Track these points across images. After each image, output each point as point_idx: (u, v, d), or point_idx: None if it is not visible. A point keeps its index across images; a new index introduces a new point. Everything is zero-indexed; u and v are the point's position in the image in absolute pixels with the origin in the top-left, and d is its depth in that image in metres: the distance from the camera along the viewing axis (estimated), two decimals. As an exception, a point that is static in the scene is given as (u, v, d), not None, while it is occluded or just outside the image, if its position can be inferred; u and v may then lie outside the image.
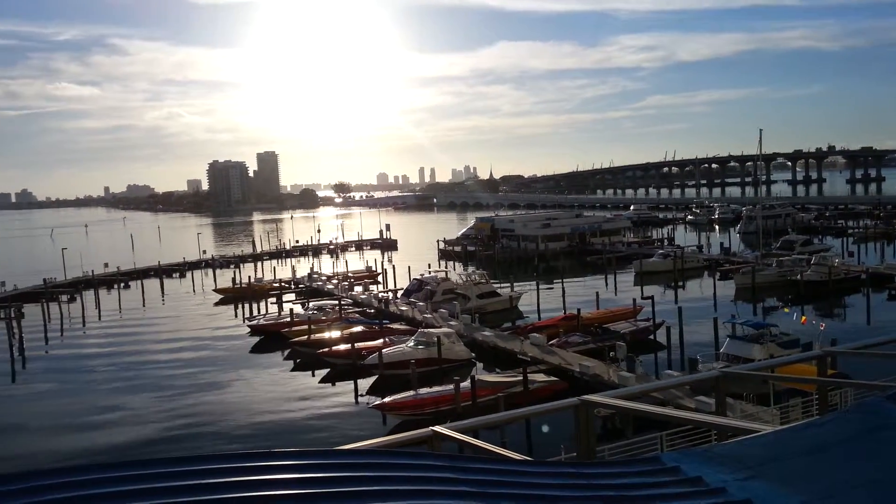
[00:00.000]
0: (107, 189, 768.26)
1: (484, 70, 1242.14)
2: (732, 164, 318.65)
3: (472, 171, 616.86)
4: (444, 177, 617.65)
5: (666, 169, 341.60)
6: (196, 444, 30.43)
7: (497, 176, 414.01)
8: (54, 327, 61.00)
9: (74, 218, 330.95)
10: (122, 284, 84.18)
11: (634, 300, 51.18)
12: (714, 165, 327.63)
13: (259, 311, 62.70)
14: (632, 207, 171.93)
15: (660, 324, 43.51)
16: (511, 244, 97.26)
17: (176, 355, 48.01)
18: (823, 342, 28.13)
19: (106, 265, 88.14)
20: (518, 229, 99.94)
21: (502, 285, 64.28)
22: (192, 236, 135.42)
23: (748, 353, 32.88)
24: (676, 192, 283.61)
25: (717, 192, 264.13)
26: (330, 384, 39.48)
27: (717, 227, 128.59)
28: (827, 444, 5.93)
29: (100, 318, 65.56)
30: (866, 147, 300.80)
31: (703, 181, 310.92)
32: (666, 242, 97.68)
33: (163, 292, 79.27)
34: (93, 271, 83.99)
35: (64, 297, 74.39)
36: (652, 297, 49.15)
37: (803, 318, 41.31)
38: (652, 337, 43.86)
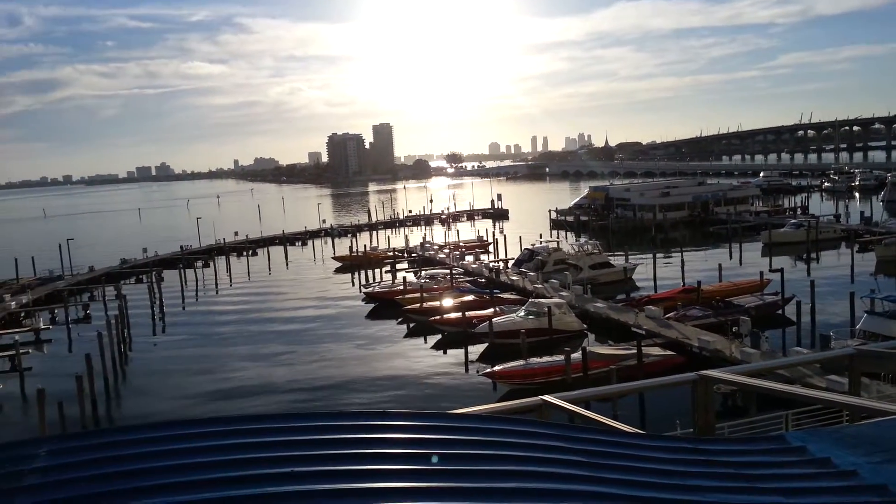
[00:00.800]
0: (236, 162, 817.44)
1: (601, 33, 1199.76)
2: (877, 126, 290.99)
3: (586, 139, 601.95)
4: (556, 146, 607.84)
5: (801, 132, 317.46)
6: (315, 401, 32.21)
7: (613, 143, 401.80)
8: (190, 291, 66.05)
9: (207, 189, 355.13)
10: (250, 252, 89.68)
11: (762, 273, 48.25)
12: (856, 128, 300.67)
13: (374, 279, 64.80)
14: (761, 174, 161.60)
15: (789, 298, 40.83)
16: (626, 214, 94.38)
17: (298, 320, 50.74)
18: (980, 322, 25.37)
19: (236, 234, 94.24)
20: (634, 198, 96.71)
21: (616, 256, 62.64)
22: (312, 206, 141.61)
23: (888, 331, 30.31)
24: (812, 158, 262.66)
25: (858, 156, 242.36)
26: (441, 351, 40.34)
27: (857, 194, 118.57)
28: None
29: (231, 283, 70.35)
30: None
31: (843, 145, 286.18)
32: (799, 211, 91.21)
33: (287, 259, 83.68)
34: (224, 239, 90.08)
35: (199, 263, 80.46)
36: (781, 270, 46.10)
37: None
38: (780, 312, 41.34)
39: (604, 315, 41.48)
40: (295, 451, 4.51)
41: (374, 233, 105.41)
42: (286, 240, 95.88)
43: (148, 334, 49.29)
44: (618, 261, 59.88)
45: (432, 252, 74.08)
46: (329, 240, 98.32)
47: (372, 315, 50.45)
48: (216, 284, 69.64)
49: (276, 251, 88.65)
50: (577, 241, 73.26)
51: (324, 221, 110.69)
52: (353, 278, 67.04)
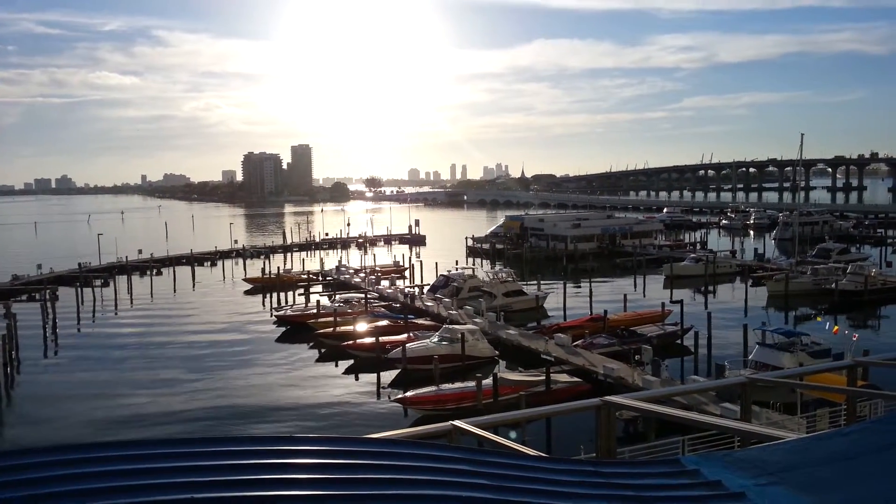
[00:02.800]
0: (144, 177, 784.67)
1: (521, 67, 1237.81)
2: (771, 168, 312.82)
3: (503, 168, 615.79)
4: (475, 174, 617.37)
5: (702, 172, 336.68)
6: (218, 429, 30.98)
7: (529, 175, 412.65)
8: (87, 311, 62.42)
9: (111, 204, 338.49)
10: (155, 271, 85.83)
11: (663, 304, 50.61)
12: (752, 169, 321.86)
13: (286, 302, 63.42)
14: (665, 210, 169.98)
15: (688, 328, 42.98)
16: (540, 243, 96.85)
17: (204, 343, 48.82)
18: (855, 353, 27.50)
19: (140, 252, 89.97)
20: (548, 229, 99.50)
21: (529, 284, 64.04)
22: (224, 226, 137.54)
23: (777, 361, 32.36)
24: (712, 196, 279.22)
25: (753, 196, 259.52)
26: (353, 376, 39.80)
27: (751, 232, 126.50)
28: (852, 454, 5.85)
29: (132, 304, 66.95)
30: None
31: (740, 185, 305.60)
32: (698, 246, 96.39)
33: (194, 280, 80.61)
34: (127, 257, 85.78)
35: (98, 282, 76.19)
36: (681, 302, 48.54)
37: (835, 327, 40.46)
38: (679, 341, 43.37)
39: (515, 342, 42.20)
40: (195, 478, 4.36)
41: (289, 255, 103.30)
42: (194, 260, 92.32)
43: (38, 356, 46.07)
44: (530, 289, 61.20)
45: (348, 276, 73.32)
46: (240, 261, 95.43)
47: (282, 339, 49.22)
48: (116, 305, 66.10)
49: (183, 271, 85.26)
50: (492, 268, 74.46)
51: (235, 242, 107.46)
52: (264, 301, 65.31)
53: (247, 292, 70.97)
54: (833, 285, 59.13)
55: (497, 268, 74.62)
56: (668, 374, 33.45)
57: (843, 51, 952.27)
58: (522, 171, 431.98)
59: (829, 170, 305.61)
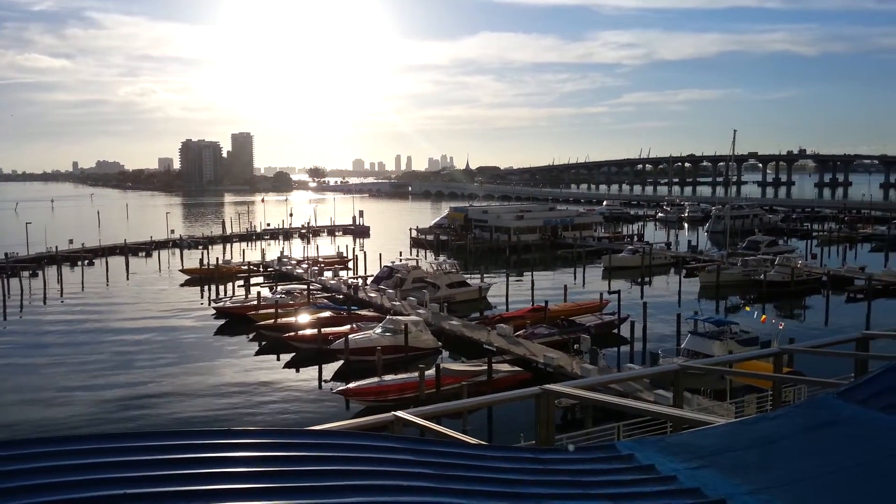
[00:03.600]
0: (75, 164, 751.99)
1: (465, 60, 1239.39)
2: (705, 163, 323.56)
3: (449, 160, 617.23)
4: (420, 165, 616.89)
5: (640, 166, 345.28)
6: (154, 425, 30.15)
7: (474, 166, 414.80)
8: (14, 302, 59.63)
9: (40, 192, 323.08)
10: (87, 262, 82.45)
11: (601, 294, 51.82)
12: (687, 164, 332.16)
13: (226, 294, 62.06)
14: (604, 203, 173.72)
15: (624, 318, 44.16)
16: (484, 235, 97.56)
17: (138, 335, 47.34)
18: (781, 341, 28.83)
19: (71, 241, 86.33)
20: (491, 220, 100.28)
21: (473, 275, 64.48)
22: (160, 215, 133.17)
23: (708, 350, 33.58)
24: (649, 190, 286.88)
25: (688, 190, 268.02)
26: (294, 369, 39.33)
27: (686, 225, 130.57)
28: (777, 437, 6.15)
29: (62, 295, 64.25)
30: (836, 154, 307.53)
31: (676, 179, 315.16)
32: (635, 238, 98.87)
33: (128, 271, 77.90)
34: (56, 247, 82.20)
35: (26, 273, 72.77)
36: (619, 292, 49.80)
37: (763, 316, 42.24)
38: (616, 331, 44.51)
39: (458, 333, 42.48)
40: (130, 473, 4.25)
41: (228, 245, 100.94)
42: (128, 250, 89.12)
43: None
44: (474, 280, 61.64)
45: (290, 267, 72.23)
46: (177, 251, 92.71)
47: (222, 331, 48.16)
48: (45, 296, 63.30)
49: (117, 262, 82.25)
50: (435, 259, 74.60)
51: (172, 232, 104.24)
52: (202, 292, 63.71)
53: (184, 284, 69.06)
54: (761, 276, 61.64)
55: (441, 259, 74.83)
56: (605, 362, 34.31)
57: (776, 51, 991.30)
58: (467, 163, 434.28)
59: (760, 165, 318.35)
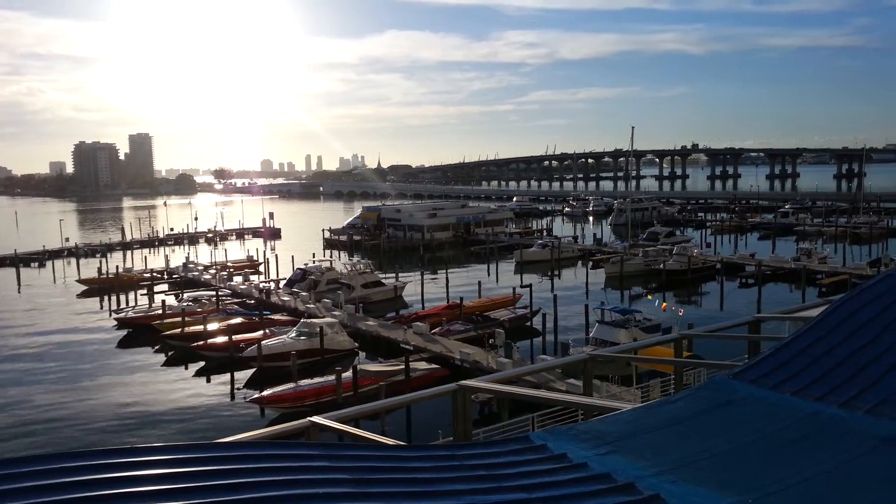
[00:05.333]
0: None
1: (374, 58, 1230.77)
2: (607, 159, 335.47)
3: (360, 159, 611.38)
4: (331, 165, 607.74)
5: (547, 162, 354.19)
6: (52, 447, 28.35)
7: (385, 165, 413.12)
8: None
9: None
10: (-31, 275, 76.44)
11: (514, 289, 52.93)
12: (590, 160, 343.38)
13: (128, 303, 59.18)
14: (514, 199, 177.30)
15: (536, 311, 45.30)
16: (397, 234, 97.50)
17: (33, 352, 44.33)
18: (681, 326, 30.38)
19: (-51, 253, 79.75)
20: (404, 219, 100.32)
21: (387, 275, 64.34)
22: (53, 223, 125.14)
23: (614, 338, 34.95)
24: (556, 185, 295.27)
25: (592, 185, 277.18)
26: (205, 379, 37.97)
27: (591, 218, 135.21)
28: (679, 418, 6.49)
29: (-59, 312, 59.22)
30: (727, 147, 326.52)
31: (580, 175, 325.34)
32: (545, 233, 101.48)
33: (19, 283, 72.83)
34: (-67, 260, 75.79)
35: None
36: (530, 286, 51.01)
37: (664, 304, 44.37)
38: (529, 324, 45.57)
39: (374, 333, 42.29)
40: (26, 500, 3.98)
41: (129, 252, 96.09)
42: (19, 260, 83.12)
43: None
44: (389, 279, 61.51)
45: (196, 273, 69.57)
46: (73, 260, 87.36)
47: (124, 343, 45.85)
48: (-79, 314, 58.18)
49: (6, 273, 76.81)
50: (349, 260, 73.89)
51: (67, 240, 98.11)
52: (102, 303, 60.37)
53: (82, 294, 65.21)
54: (661, 266, 64.69)
55: (355, 259, 74.19)
56: (519, 355, 35.08)
57: (667, 50, 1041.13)
58: (379, 162, 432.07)
59: (657, 160, 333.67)
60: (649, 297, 53.59)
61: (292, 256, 71.95)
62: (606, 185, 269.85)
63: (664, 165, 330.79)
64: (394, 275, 63.60)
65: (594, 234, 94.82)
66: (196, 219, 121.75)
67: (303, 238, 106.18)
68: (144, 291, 63.06)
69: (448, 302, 50.15)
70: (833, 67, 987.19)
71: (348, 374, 31.90)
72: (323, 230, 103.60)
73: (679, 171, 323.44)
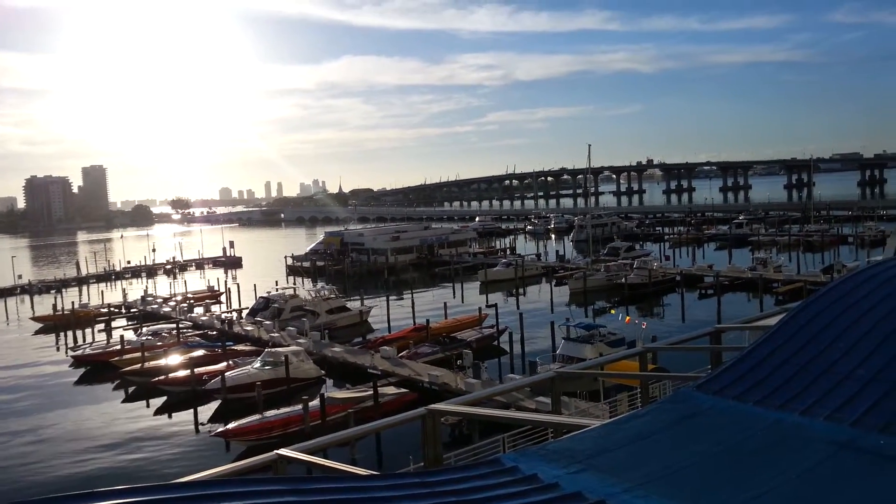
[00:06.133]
0: None
1: (331, 83, 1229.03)
2: (566, 177, 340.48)
3: (321, 184, 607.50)
4: (292, 191, 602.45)
5: (507, 182, 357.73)
6: (8, 493, 27.16)
7: (347, 189, 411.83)
8: None
9: None
10: (-86, 317, 73.34)
11: (480, 308, 53.01)
12: (549, 178, 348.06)
13: (85, 340, 57.43)
14: (477, 219, 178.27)
15: (503, 330, 45.39)
16: (361, 258, 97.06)
17: (-16, 394, 42.60)
18: (645, 339, 30.77)
19: None
20: (368, 243, 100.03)
21: (352, 300, 63.88)
22: (5, 260, 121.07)
23: (581, 353, 35.19)
24: (517, 204, 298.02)
25: (552, 203, 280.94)
26: (167, 415, 36.96)
27: (552, 236, 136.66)
28: (647, 433, 6.54)
29: None
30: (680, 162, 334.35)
31: (541, 193, 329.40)
32: (508, 252, 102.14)
33: (-33, 324, 70.09)
34: None
35: None
36: (496, 305, 51.17)
37: (627, 317, 44.91)
38: (496, 343, 45.62)
39: (341, 359, 41.82)
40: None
41: (85, 287, 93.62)
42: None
43: None
44: (354, 304, 61.04)
45: (155, 306, 68.00)
46: (27, 297, 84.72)
47: (82, 381, 44.46)
48: None
49: (-47, 314, 73.83)
50: (313, 286, 73.18)
51: (20, 277, 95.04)
52: (58, 341, 58.54)
53: (37, 332, 63.12)
54: (623, 280, 65.63)
55: (319, 285, 73.49)
56: (487, 375, 35.03)
57: (619, 69, 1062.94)
58: (340, 187, 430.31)
59: (614, 176, 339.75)
60: (613, 311, 54.23)
61: (254, 285, 70.95)
62: (566, 203, 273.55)
63: (621, 181, 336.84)
64: (359, 299, 63.17)
65: (556, 251, 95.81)
66: (154, 250, 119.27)
67: (265, 266, 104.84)
68: (102, 327, 61.32)
69: (414, 324, 49.95)
70: (778, 82, 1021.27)
71: (316, 402, 31.44)
72: (285, 257, 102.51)
73: (636, 187, 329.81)
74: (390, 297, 60.22)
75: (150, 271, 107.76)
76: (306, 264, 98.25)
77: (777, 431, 5.88)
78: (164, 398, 38.63)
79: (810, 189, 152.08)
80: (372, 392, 32.64)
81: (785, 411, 6.15)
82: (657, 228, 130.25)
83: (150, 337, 50.57)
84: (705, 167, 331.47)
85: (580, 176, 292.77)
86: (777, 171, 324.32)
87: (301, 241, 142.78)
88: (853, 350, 6.62)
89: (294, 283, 76.52)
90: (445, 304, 56.00)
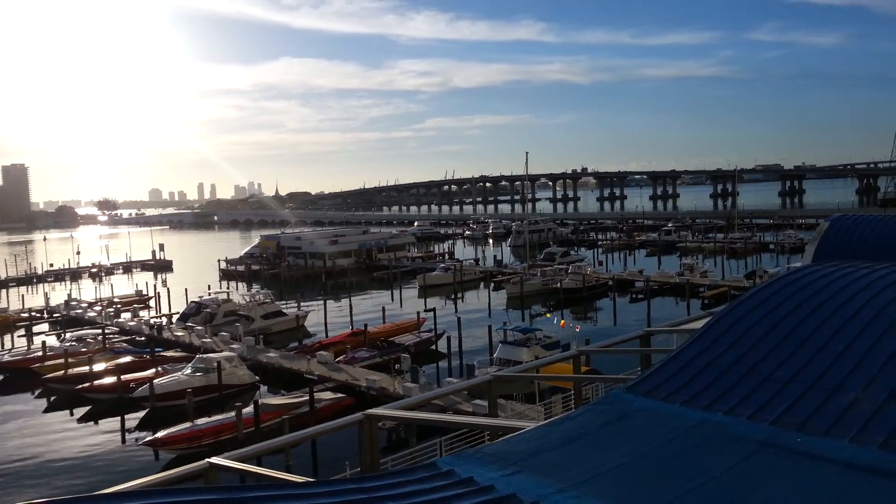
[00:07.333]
0: None
1: (268, 85, 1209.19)
2: (504, 183, 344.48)
3: (257, 187, 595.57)
4: (226, 193, 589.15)
5: (446, 187, 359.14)
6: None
7: (284, 192, 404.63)
8: None
9: None
10: None
11: (418, 313, 53.00)
12: (488, 184, 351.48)
13: (3, 346, 54.50)
14: (416, 223, 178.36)
15: (441, 334, 45.54)
16: (298, 262, 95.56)
17: None
18: (579, 342, 31.43)
19: None
20: (305, 246, 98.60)
21: (289, 304, 62.80)
22: None
23: (517, 356, 35.67)
24: (456, 209, 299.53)
25: (490, 208, 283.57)
26: (92, 423, 35.49)
27: (491, 241, 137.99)
28: (580, 434, 6.69)
29: None
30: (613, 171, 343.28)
31: (479, 199, 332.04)
32: (447, 256, 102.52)
33: None
34: None
35: None
36: (434, 309, 51.26)
37: (562, 321, 45.70)
38: (434, 347, 45.71)
39: (276, 365, 41.06)
40: None
41: (4, 291, 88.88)
42: None
43: None
44: (290, 309, 60.03)
45: (80, 311, 65.19)
46: (-63, 302, 79.72)
47: (1, 389, 42.17)
48: None
49: None
50: (248, 291, 71.62)
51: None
52: (-29, 348, 55.26)
53: (-54, 340, 59.44)
54: (558, 284, 66.95)
55: (254, 290, 71.96)
56: (426, 379, 35.07)
57: (555, 80, 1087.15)
58: (276, 190, 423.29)
59: (550, 183, 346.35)
60: (548, 315, 55.13)
61: (186, 289, 68.89)
62: (504, 208, 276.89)
63: (557, 188, 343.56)
64: (295, 304, 62.14)
65: (494, 256, 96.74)
66: (78, 253, 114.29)
67: (197, 270, 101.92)
68: (22, 332, 58.40)
69: (352, 329, 49.51)
70: (704, 95, 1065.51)
71: (249, 409, 30.77)
72: (219, 261, 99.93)
73: (571, 194, 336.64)
74: (328, 302, 59.52)
75: (75, 275, 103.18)
76: (241, 268, 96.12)
77: (702, 431, 6.12)
78: (90, 406, 37.14)
79: (734, 198, 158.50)
80: (307, 398, 32.16)
81: (710, 411, 6.40)
82: (591, 234, 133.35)
83: (73, 343, 48.47)
84: (636, 176, 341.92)
85: (518, 182, 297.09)
86: (703, 180, 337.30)
87: (235, 245, 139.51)
88: (773, 352, 6.95)
89: (228, 288, 74.63)
90: (384, 308, 55.75)
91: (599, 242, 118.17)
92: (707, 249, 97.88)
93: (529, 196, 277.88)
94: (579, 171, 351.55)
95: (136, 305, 69.32)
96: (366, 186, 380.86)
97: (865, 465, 5.07)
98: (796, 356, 6.75)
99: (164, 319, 58.51)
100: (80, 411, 36.87)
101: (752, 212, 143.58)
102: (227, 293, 64.16)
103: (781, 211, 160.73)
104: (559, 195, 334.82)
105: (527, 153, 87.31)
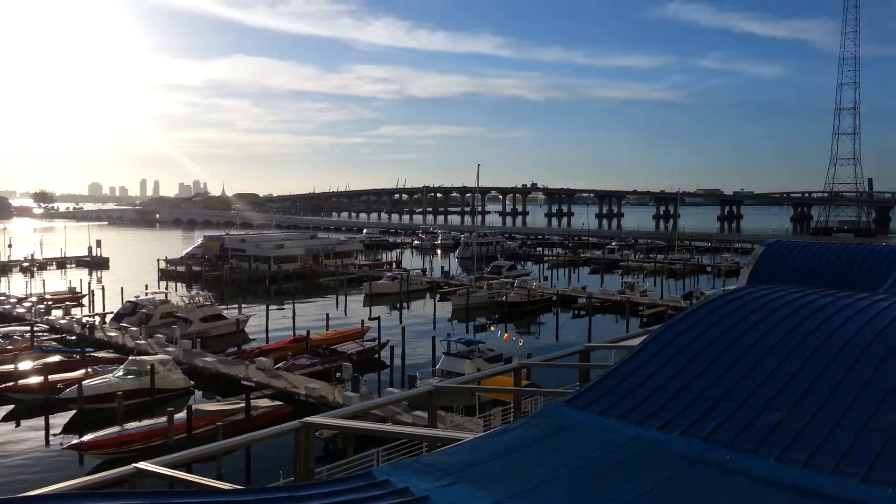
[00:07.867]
0: None
1: (219, 82, 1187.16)
2: (454, 194, 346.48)
3: (202, 186, 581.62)
4: (170, 191, 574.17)
5: (397, 196, 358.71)
6: None
7: (231, 193, 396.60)
8: None
9: None
10: None
11: (363, 321, 52.62)
12: (439, 195, 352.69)
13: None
14: (365, 231, 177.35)
15: (385, 343, 45.28)
16: (242, 264, 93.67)
17: None
18: (520, 356, 31.73)
19: None
20: (250, 249, 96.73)
21: (230, 308, 61.45)
22: None
23: (460, 368, 35.76)
24: (406, 218, 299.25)
25: (440, 219, 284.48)
26: (14, 423, 33.96)
27: (439, 252, 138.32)
28: (517, 446, 6.73)
29: None
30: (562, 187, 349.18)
31: (430, 209, 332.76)
32: (394, 265, 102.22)
33: None
34: None
35: None
36: (378, 318, 50.96)
37: (506, 335, 46.11)
38: (377, 356, 45.41)
39: (213, 370, 40.07)
40: None
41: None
42: None
43: None
44: (231, 312, 58.75)
45: (8, 306, 62.33)
46: None
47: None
48: None
49: None
50: (188, 292, 69.77)
51: None
52: None
53: None
54: (504, 298, 67.55)
55: (194, 291, 70.13)
56: (367, 388, 34.78)
57: (509, 95, 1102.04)
58: (223, 190, 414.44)
59: (500, 196, 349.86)
60: (492, 328, 55.52)
61: (122, 288, 66.62)
62: (454, 220, 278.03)
63: (507, 202, 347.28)
64: (236, 307, 60.86)
65: (442, 267, 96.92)
66: (10, 246, 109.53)
67: (135, 268, 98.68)
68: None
69: (294, 335, 48.75)
70: (653, 118, 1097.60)
71: (182, 414, 29.96)
72: (158, 260, 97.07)
73: (520, 208, 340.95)
74: (270, 307, 58.45)
75: (4, 268, 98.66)
76: (181, 268, 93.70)
77: (636, 446, 6.23)
78: (13, 406, 35.54)
79: (675, 220, 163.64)
80: (243, 404, 31.49)
81: (644, 426, 6.52)
82: (538, 249, 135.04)
83: (-1, 340, 46.26)
84: (584, 194, 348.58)
85: (468, 194, 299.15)
86: (647, 201, 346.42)
87: (177, 244, 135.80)
88: (706, 371, 7.15)
89: (166, 288, 72.60)
90: (328, 315, 55.12)
91: (546, 258, 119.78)
92: (648, 269, 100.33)
93: (479, 208, 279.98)
94: (529, 185, 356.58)
95: (68, 303, 66.76)
96: (316, 191, 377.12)
97: (789, 484, 5.25)
98: (728, 375, 6.95)
99: (97, 319, 56.52)
100: (3, 411, 35.32)
101: (691, 234, 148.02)
102: (166, 294, 62.50)
103: (719, 235, 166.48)
104: (509, 209, 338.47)
105: (479, 165, 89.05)
